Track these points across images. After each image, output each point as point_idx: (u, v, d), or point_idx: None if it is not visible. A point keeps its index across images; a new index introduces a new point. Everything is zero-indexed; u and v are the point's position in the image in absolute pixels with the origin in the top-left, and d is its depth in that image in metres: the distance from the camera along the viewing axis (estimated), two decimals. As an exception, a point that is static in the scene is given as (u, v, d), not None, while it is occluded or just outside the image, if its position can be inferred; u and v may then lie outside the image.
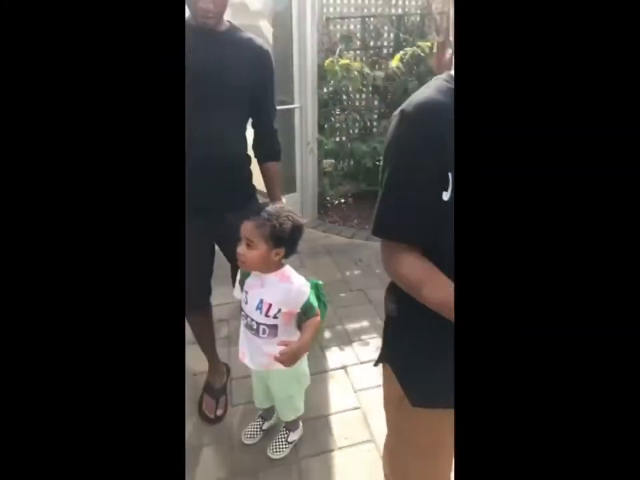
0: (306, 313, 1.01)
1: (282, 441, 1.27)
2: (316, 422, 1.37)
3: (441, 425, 0.69)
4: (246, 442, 1.31)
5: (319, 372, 1.55)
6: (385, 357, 0.77)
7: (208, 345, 1.49)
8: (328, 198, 2.86)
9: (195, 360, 1.64)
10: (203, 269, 1.30)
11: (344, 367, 1.60)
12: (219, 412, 1.41)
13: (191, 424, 1.39)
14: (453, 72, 0.59)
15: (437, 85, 0.59)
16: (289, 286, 1.01)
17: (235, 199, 1.20)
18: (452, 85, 0.57)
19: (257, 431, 1.33)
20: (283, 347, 0.95)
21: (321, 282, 1.11)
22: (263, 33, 2.68)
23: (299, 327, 1.06)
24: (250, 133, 1.26)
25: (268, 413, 1.35)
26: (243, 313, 1.08)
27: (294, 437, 1.29)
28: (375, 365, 0.79)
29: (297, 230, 0.99)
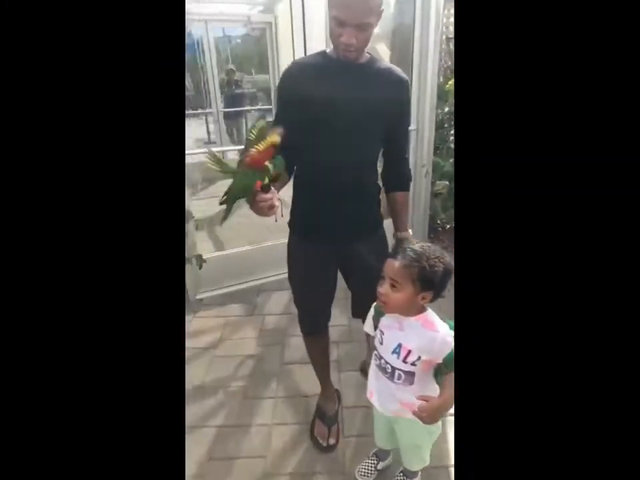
0: (448, 365, 0.91)
1: None
2: (437, 472, 1.27)
3: None
4: (360, 479, 1.27)
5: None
6: None
7: (322, 369, 1.49)
8: (439, 221, 2.72)
9: (306, 382, 1.66)
10: (325, 295, 1.31)
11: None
12: (332, 441, 1.39)
13: (304, 448, 1.39)
14: None
15: None
16: (433, 334, 0.91)
17: (363, 228, 1.19)
18: None
19: (371, 470, 1.28)
20: (422, 402, 0.86)
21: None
22: (380, 55, 2.70)
23: (435, 374, 0.98)
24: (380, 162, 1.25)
25: (383, 453, 1.29)
26: (376, 352, 1.03)
27: None
28: None
29: (448, 274, 0.90)
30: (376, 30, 1.05)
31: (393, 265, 0.90)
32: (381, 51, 2.80)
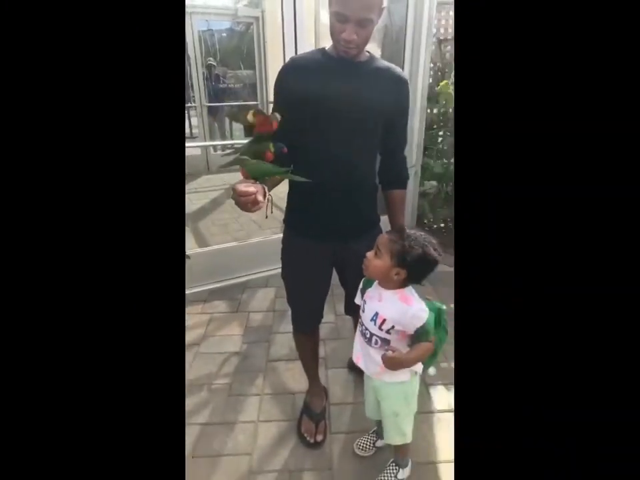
0: (419, 337, 1.01)
1: (391, 477, 1.23)
2: (425, 468, 1.27)
3: None
4: (358, 453, 1.32)
5: (425, 412, 1.45)
6: None
7: (310, 367, 1.47)
8: (426, 221, 2.75)
9: (292, 379, 1.64)
10: (319, 293, 1.29)
11: (452, 410, 1.47)
12: (319, 437, 1.37)
13: (291, 445, 1.37)
14: None
15: None
16: (406, 307, 1.01)
17: (360, 225, 1.19)
18: None
19: (370, 445, 1.33)
20: (389, 351, 0.97)
21: (444, 307, 1.08)
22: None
23: (410, 346, 1.04)
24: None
25: (382, 431, 1.29)
26: (360, 319, 1.12)
27: (403, 474, 1.24)
28: None
29: (423, 261, 0.99)
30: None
31: (383, 236, 1.04)
32: (371, 49, 2.81)
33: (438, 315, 1.06)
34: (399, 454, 1.23)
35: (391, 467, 1.24)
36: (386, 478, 1.22)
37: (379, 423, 1.28)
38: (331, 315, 2.00)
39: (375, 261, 1.02)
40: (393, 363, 0.97)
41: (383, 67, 1.10)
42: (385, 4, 0.99)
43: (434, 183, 2.62)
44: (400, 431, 1.17)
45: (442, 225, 2.79)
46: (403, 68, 2.44)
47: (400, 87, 1.11)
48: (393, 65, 1.12)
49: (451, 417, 1.45)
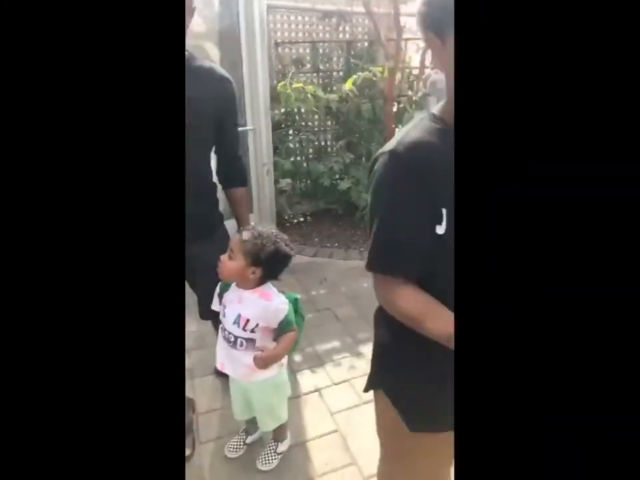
0: (283, 329, 1.04)
1: (271, 453, 1.26)
2: (293, 450, 1.32)
3: (440, 447, 0.68)
4: (229, 455, 1.29)
5: (292, 397, 1.50)
6: (377, 383, 0.75)
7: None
8: (286, 217, 2.84)
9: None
10: None
11: (318, 390, 1.56)
12: (187, 452, 1.31)
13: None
14: (434, 111, 0.61)
15: (424, 126, 0.60)
16: (267, 304, 1.03)
17: (201, 226, 1.16)
18: (438, 126, 0.59)
19: (240, 445, 1.31)
20: (259, 352, 1.00)
21: (299, 296, 1.13)
22: (209, 55, 2.66)
23: (275, 339, 1.07)
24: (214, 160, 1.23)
25: (251, 427, 1.31)
26: (221, 325, 1.09)
27: (282, 447, 1.27)
28: (366, 390, 0.78)
29: (277, 257, 1.02)
30: (202, 29, 1.02)
31: (235, 237, 1.03)
32: (209, 51, 2.76)
33: (295, 303, 1.10)
34: (277, 434, 1.27)
35: (270, 444, 1.28)
36: (266, 454, 1.26)
37: (249, 420, 1.28)
38: (194, 324, 1.92)
39: (229, 263, 1.00)
40: (265, 362, 0.99)
41: (205, 66, 1.09)
42: (194, 4, 0.99)
43: (289, 180, 2.72)
44: (275, 418, 1.20)
45: (301, 219, 2.93)
46: (241, 70, 2.47)
47: (224, 85, 1.12)
48: (215, 65, 1.13)
49: (317, 397, 1.53)
